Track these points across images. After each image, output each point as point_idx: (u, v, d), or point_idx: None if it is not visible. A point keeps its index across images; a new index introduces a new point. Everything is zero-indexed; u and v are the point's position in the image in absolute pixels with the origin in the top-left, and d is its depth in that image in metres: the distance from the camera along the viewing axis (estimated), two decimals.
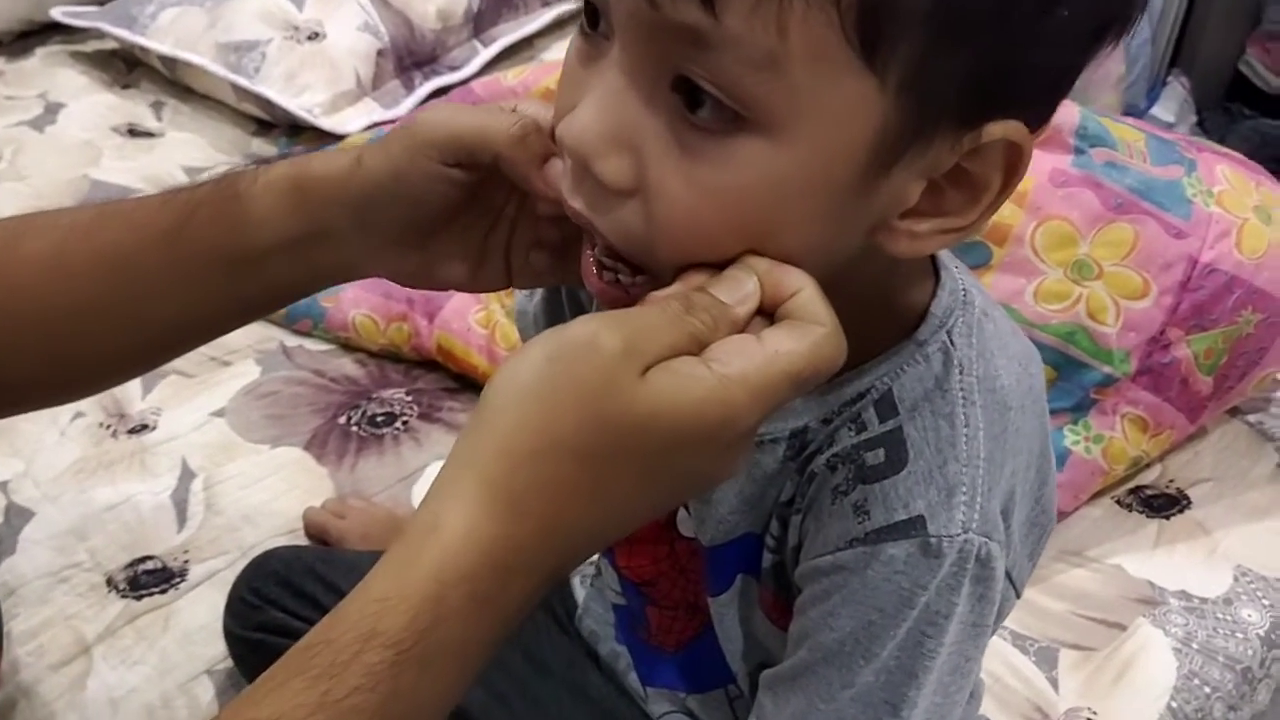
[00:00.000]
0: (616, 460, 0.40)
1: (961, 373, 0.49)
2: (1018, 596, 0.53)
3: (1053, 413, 1.05)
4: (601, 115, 0.42)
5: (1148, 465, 1.11)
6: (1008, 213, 1.03)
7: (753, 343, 0.42)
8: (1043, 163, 1.04)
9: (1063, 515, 1.05)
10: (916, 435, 0.48)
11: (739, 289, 0.43)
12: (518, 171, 0.50)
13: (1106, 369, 1.02)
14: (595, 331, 0.41)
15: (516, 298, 0.74)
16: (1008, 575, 0.50)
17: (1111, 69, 2.10)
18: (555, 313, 0.66)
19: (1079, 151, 1.05)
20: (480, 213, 0.55)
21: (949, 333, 0.49)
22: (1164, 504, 1.09)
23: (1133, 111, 2.16)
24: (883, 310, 0.49)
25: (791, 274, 0.43)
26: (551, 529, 0.40)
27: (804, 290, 0.43)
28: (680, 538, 0.61)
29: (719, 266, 0.44)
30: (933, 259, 0.51)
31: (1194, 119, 2.34)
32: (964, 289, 0.51)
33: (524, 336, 0.72)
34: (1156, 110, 2.28)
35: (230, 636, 0.88)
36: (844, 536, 0.48)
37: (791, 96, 0.39)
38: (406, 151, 0.52)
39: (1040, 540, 0.56)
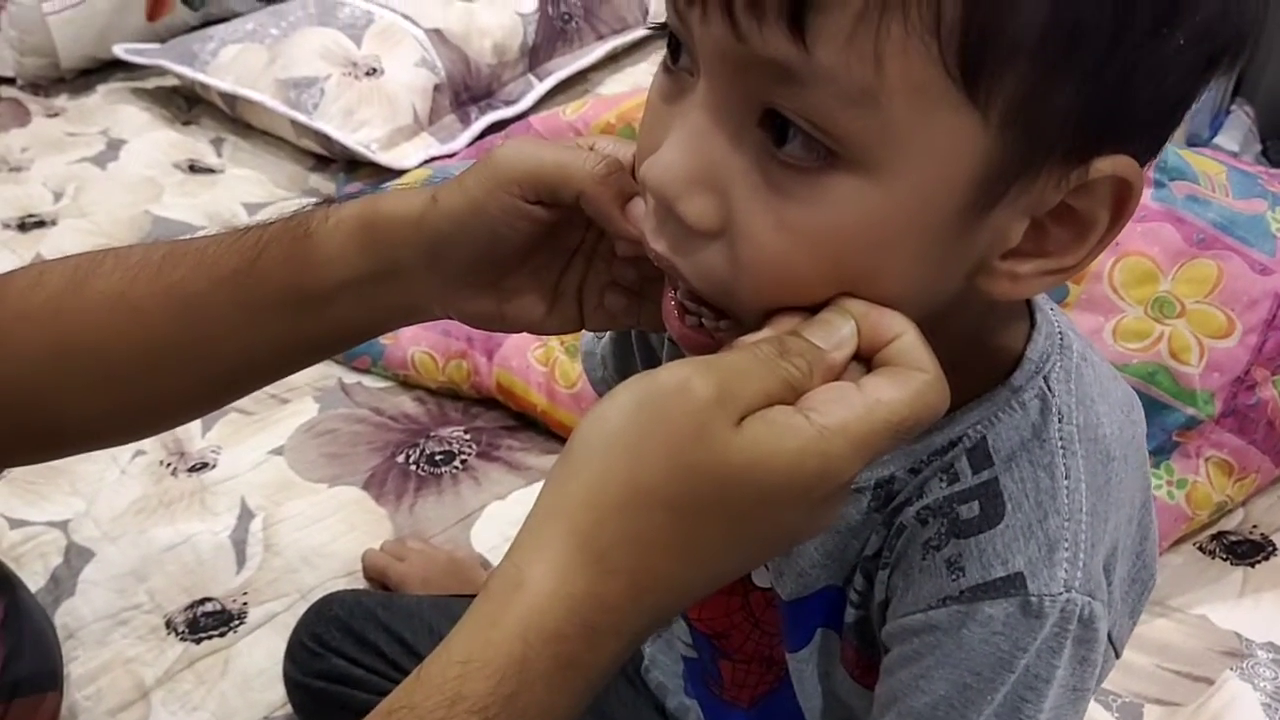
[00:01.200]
0: (708, 513, 0.39)
1: (1061, 421, 0.46)
2: (1117, 657, 0.50)
3: None
4: (686, 155, 0.40)
5: (1230, 510, 1.06)
6: None
7: (852, 391, 0.40)
8: None
9: None
10: (1014, 487, 0.45)
11: (835, 333, 0.41)
12: (600, 210, 0.48)
13: (1190, 411, 0.99)
14: (687, 377, 0.39)
15: (583, 339, 0.72)
16: (1109, 636, 0.47)
17: None
18: (624, 355, 0.64)
19: (1159, 185, 1.02)
20: (556, 252, 0.54)
21: (1046, 379, 0.47)
22: (1249, 550, 1.05)
23: (1195, 141, 2.11)
24: (977, 354, 0.47)
25: (891, 317, 0.41)
26: (641, 586, 0.38)
27: (905, 335, 0.41)
28: (755, 589, 0.59)
29: (812, 310, 0.42)
30: (1027, 300, 0.49)
31: (1259, 148, 2.28)
32: (1060, 332, 0.49)
33: (591, 379, 0.70)
34: (1220, 139, 2.23)
35: (290, 683, 0.87)
36: (937, 594, 0.46)
37: (887, 132, 0.37)
38: (485, 186, 0.50)
39: (1141, 598, 0.53)
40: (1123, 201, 0.40)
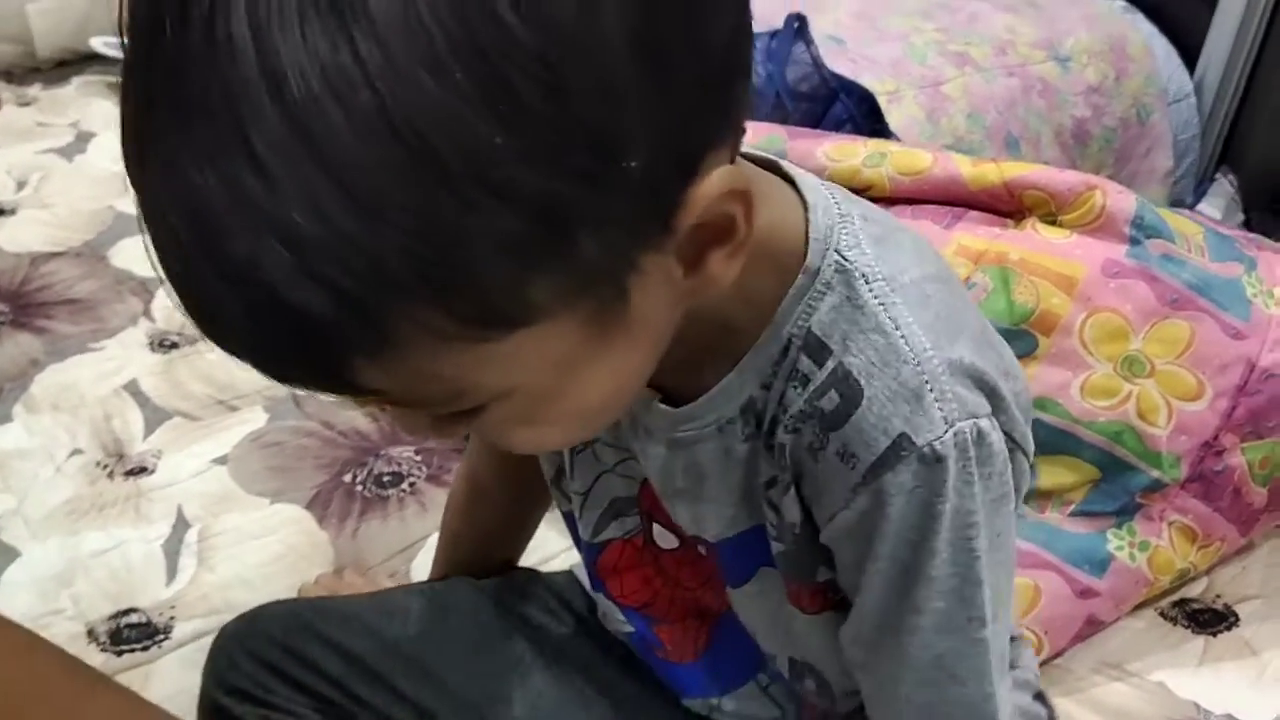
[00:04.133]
0: None
1: (868, 282, 0.47)
2: (1027, 456, 0.51)
3: (1096, 515, 1.00)
4: (411, 422, 0.45)
5: (1194, 578, 1.04)
6: (1056, 302, 0.98)
7: None
8: (1095, 251, 1.00)
9: (1103, 625, 0.99)
10: (858, 361, 0.47)
11: None
12: None
13: (1155, 473, 0.96)
14: None
15: None
16: (1009, 438, 0.49)
17: (1159, 163, 2.06)
18: None
19: (1134, 242, 1.00)
20: None
21: (838, 250, 0.48)
22: (1210, 619, 1.03)
23: (1178, 205, 2.12)
24: (760, 268, 0.45)
25: None
26: None
27: None
28: (663, 551, 0.61)
29: None
30: (793, 183, 0.49)
31: (1241, 218, 2.29)
32: (835, 200, 0.49)
33: None
34: (1203, 207, 2.23)
35: (206, 700, 0.82)
36: (845, 487, 0.47)
37: (492, 385, 0.40)
38: None
39: (1025, 400, 0.53)
40: (738, 195, 0.40)
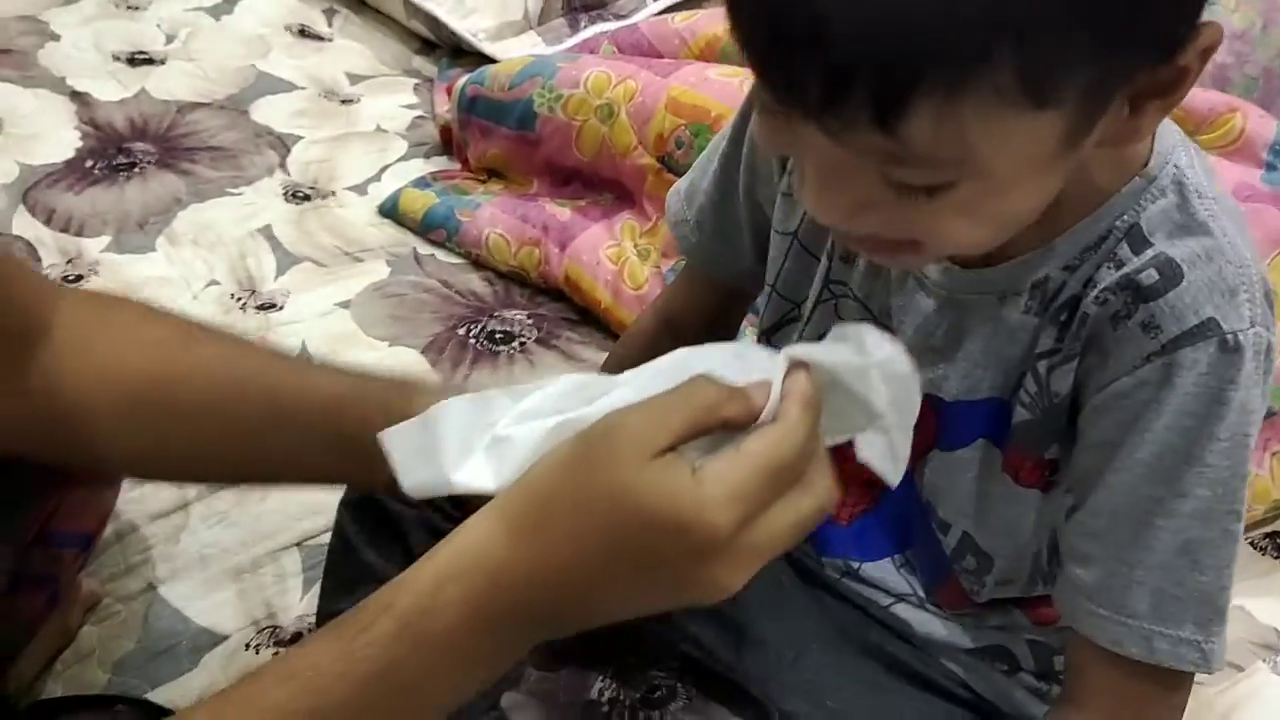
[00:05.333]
0: (596, 529, 0.44)
1: (1200, 197, 0.51)
2: None
3: None
4: (837, 196, 0.46)
5: None
6: None
7: (728, 449, 0.44)
8: (1230, 173, 0.98)
9: None
10: (1183, 251, 0.50)
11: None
12: None
13: None
14: (619, 421, 0.45)
15: (669, 206, 0.72)
16: None
17: None
18: (724, 218, 0.67)
19: (1271, 168, 0.99)
20: None
21: (1176, 165, 0.51)
22: None
23: None
24: (1105, 160, 0.50)
25: (790, 382, 0.45)
26: (537, 566, 0.44)
27: (789, 395, 0.45)
28: None
29: None
30: None
31: None
32: (1175, 127, 0.53)
33: (683, 246, 0.71)
34: None
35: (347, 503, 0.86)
36: (1139, 354, 0.50)
37: (988, 161, 0.42)
38: None
39: None
40: (1208, 53, 0.44)
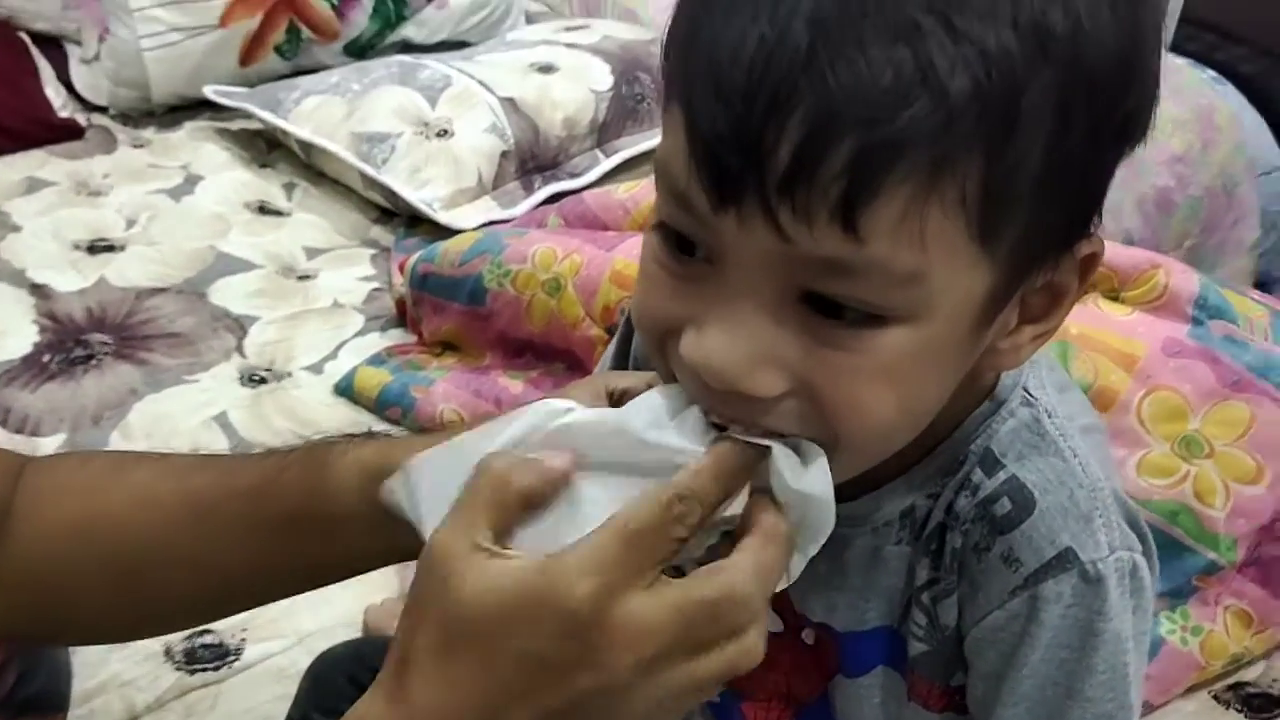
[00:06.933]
0: (460, 643, 0.43)
1: (1050, 416, 0.52)
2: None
3: None
4: (736, 341, 0.42)
5: (1249, 662, 1.03)
6: (1115, 378, 0.99)
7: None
8: (1157, 330, 1.00)
9: (1152, 708, 0.98)
10: (1033, 477, 0.50)
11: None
12: None
13: (1211, 555, 0.96)
14: (432, 542, 0.44)
15: None
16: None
17: (1246, 234, 2.03)
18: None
19: (1197, 322, 1.01)
20: None
21: (1025, 388, 0.52)
22: (1265, 704, 1.01)
23: (1266, 279, 2.08)
24: (962, 385, 0.50)
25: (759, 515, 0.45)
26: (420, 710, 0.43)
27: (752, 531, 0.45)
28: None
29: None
30: None
31: None
32: None
33: None
34: None
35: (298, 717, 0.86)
36: (1004, 590, 0.50)
37: (928, 294, 0.41)
38: None
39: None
40: (1089, 269, 0.46)
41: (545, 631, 0.41)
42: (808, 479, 0.44)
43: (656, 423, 0.45)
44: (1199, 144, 2.00)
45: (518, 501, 0.44)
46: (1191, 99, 1.99)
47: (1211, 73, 2.07)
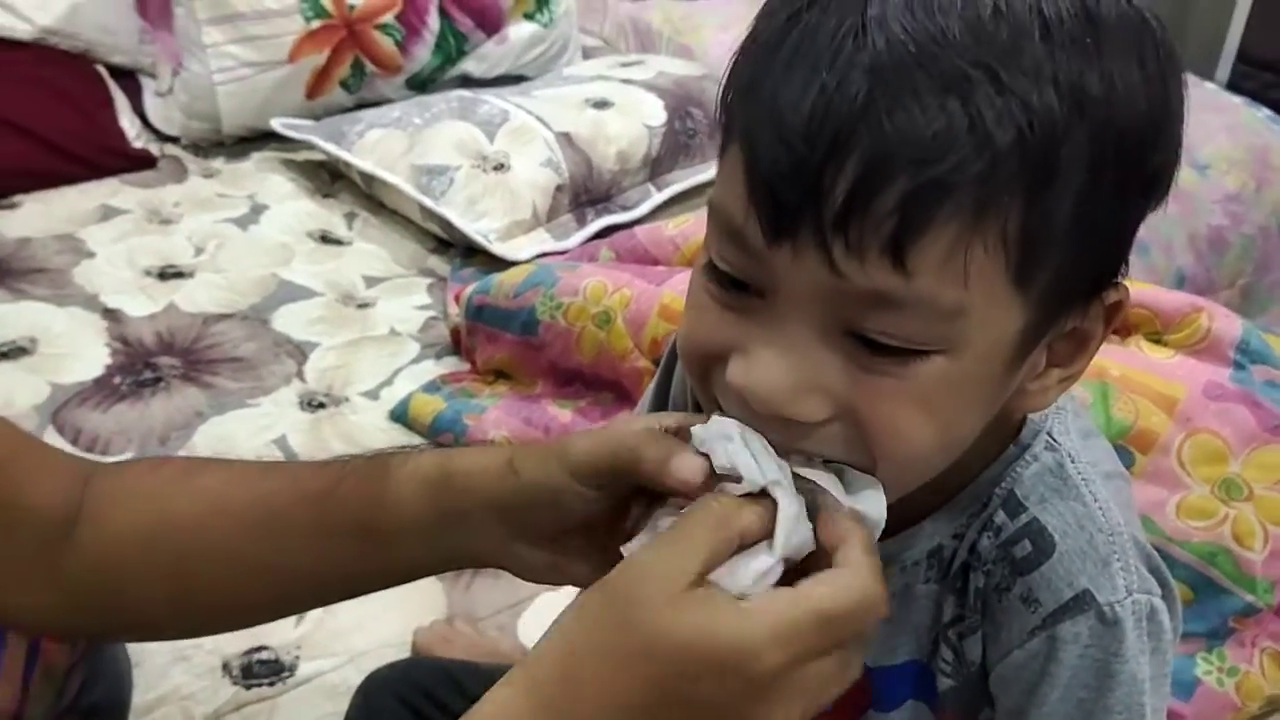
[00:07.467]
0: (631, 687, 0.43)
1: (1073, 461, 0.54)
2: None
3: (1187, 636, 1.00)
4: (785, 371, 0.45)
5: None
6: (1156, 420, 1.00)
7: (785, 589, 0.45)
8: (1198, 374, 1.01)
9: None
10: (1054, 520, 0.52)
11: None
12: (658, 482, 0.51)
13: (1249, 597, 0.97)
14: (637, 561, 0.46)
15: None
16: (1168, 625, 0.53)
17: None
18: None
19: (1239, 366, 1.02)
20: (616, 515, 0.56)
21: (1049, 433, 0.54)
22: None
23: None
24: (986, 432, 0.52)
25: (841, 524, 0.47)
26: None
27: (847, 540, 0.46)
28: None
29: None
30: None
31: None
32: None
33: None
34: None
35: None
36: (1023, 630, 0.52)
37: (967, 329, 0.44)
38: (564, 473, 0.55)
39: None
40: (1113, 316, 0.49)
41: (728, 687, 0.43)
42: (863, 501, 0.47)
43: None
44: (1253, 183, 1.99)
45: (733, 541, 0.45)
46: (1246, 138, 1.98)
47: (1268, 111, 2.06)
